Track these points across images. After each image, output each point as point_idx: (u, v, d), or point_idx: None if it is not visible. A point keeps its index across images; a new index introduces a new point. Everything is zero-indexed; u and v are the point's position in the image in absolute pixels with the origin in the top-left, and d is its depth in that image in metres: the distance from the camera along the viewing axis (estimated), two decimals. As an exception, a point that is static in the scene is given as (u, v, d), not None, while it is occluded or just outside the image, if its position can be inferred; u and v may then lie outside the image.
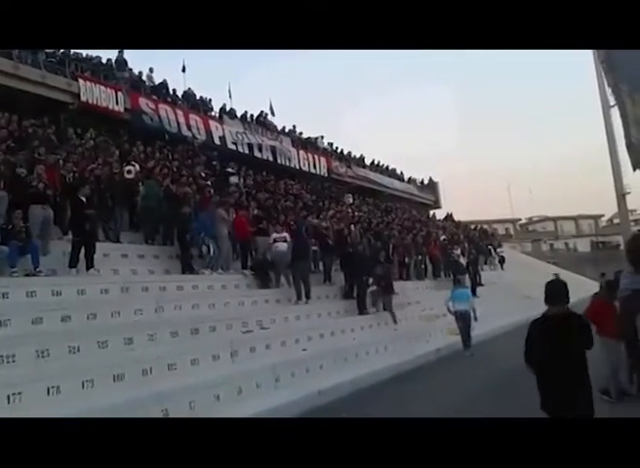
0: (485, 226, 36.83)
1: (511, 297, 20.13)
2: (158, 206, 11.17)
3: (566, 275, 30.52)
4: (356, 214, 21.18)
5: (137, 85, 18.66)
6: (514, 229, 67.35)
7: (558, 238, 63.97)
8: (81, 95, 16.16)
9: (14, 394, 5.15)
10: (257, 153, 21.91)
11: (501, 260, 26.61)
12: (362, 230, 17.35)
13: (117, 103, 17.16)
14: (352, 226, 17.13)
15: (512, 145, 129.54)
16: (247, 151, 21.42)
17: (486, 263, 24.90)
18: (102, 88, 16.86)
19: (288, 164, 23.51)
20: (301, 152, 24.69)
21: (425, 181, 36.37)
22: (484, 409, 6.79)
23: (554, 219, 66.89)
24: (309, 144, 26.19)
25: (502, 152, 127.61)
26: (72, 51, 16.63)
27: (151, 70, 19.85)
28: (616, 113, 8.43)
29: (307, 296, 11.37)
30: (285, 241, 11.82)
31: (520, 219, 68.67)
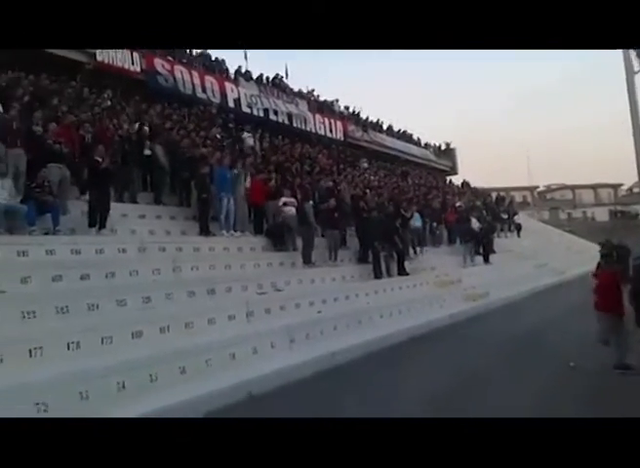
0: (502, 193, 36.38)
1: (526, 265, 20.03)
2: (164, 168, 11.25)
3: (583, 244, 30.31)
4: (372, 178, 21.04)
5: (152, 45, 18.42)
6: (532, 197, 66.58)
7: (576, 207, 63.18)
8: (97, 54, 16.02)
9: (35, 348, 5.26)
10: (272, 116, 21.70)
11: (518, 228, 26.37)
12: (377, 195, 17.23)
13: (133, 64, 17.02)
14: (367, 191, 17.06)
15: (531, 112, 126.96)
16: (262, 114, 21.23)
17: (502, 230, 24.70)
18: (118, 47, 16.66)
19: (304, 127, 23.28)
20: (317, 116, 24.39)
21: (443, 147, 35.92)
22: (495, 375, 6.87)
23: (572, 188, 65.95)
24: (325, 108, 25.85)
25: (521, 119, 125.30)
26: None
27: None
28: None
29: (305, 261, 11.34)
30: (294, 205, 11.93)
31: (538, 187, 67.78)
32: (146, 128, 11.85)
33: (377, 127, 29.38)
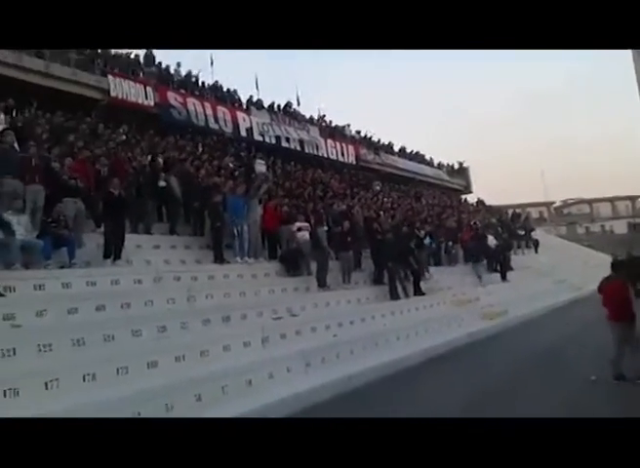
0: (518, 210, 36.16)
1: (545, 282, 19.78)
2: (177, 199, 11.38)
3: (601, 258, 29.85)
4: (385, 199, 21.08)
5: (165, 79, 18.84)
6: (548, 212, 65.96)
7: (594, 220, 62.41)
8: (111, 90, 16.44)
9: (51, 381, 5.29)
10: (284, 143, 21.95)
11: (535, 244, 26.16)
12: (391, 217, 17.25)
13: (146, 98, 17.42)
14: (381, 213, 17.09)
15: (544, 124, 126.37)
16: (274, 142, 21.49)
17: (519, 247, 24.51)
18: (131, 83, 17.12)
19: (316, 153, 23.49)
20: (329, 141, 24.63)
21: (456, 166, 35.94)
22: (514, 394, 6.76)
23: (589, 202, 65.21)
24: (337, 132, 26.08)
25: (534, 132, 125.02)
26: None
27: (179, 65, 20.03)
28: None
29: (320, 284, 11.36)
30: (308, 230, 12.03)
31: (554, 202, 67.15)
32: (160, 160, 12.05)
33: (388, 149, 29.52)
